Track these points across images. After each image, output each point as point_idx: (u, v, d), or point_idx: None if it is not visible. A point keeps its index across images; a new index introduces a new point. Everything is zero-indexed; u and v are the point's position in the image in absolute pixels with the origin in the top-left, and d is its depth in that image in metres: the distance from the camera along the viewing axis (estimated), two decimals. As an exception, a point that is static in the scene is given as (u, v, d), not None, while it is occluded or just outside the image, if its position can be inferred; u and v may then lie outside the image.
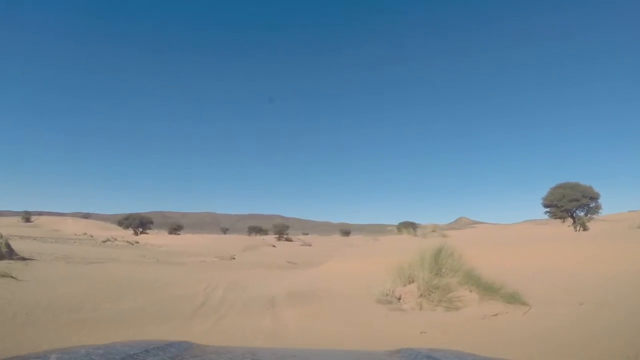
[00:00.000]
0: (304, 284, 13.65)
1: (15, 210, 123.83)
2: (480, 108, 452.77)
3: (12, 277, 11.10)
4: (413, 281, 9.98)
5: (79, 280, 12.74)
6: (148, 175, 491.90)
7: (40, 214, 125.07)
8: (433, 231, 40.08)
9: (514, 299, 8.56)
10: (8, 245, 17.42)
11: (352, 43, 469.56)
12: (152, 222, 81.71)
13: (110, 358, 1.57)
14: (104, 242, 54.59)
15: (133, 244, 53.71)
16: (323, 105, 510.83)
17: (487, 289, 9.01)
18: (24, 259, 17.67)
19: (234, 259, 26.82)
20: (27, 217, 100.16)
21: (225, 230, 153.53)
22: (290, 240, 73.39)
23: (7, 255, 16.73)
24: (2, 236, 17.79)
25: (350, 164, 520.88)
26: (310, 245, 51.03)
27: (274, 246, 45.60)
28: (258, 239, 51.75)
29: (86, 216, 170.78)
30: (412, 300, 9.49)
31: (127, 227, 78.25)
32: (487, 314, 8.26)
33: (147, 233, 76.78)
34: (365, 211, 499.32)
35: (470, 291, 9.28)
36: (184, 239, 57.46)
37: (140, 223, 78.15)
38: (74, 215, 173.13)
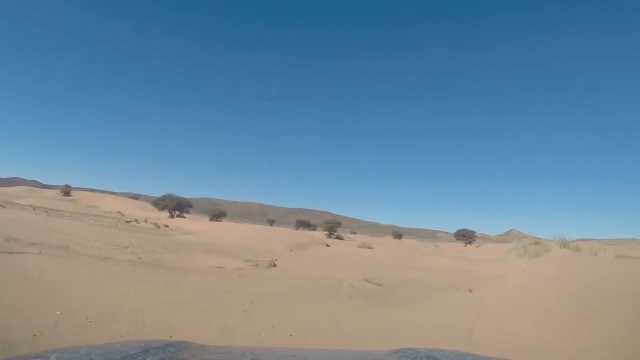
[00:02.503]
0: None
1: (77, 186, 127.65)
2: (543, 119, 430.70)
3: None
4: None
5: None
6: (201, 162, 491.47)
7: (92, 190, 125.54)
8: (536, 244, 28.36)
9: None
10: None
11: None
12: (191, 206, 72.35)
13: (110, 358, 1.53)
14: (127, 222, 46.88)
15: (159, 228, 44.76)
16: (382, 107, 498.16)
17: None
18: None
19: (274, 265, 15.67)
20: (67, 191, 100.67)
21: (272, 222, 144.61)
22: (342, 239, 63.22)
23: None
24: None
25: (404, 167, 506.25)
26: (371, 248, 39.61)
27: (327, 246, 34.50)
28: (307, 234, 40.75)
29: (136, 197, 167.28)
30: None
31: (163, 208, 68.98)
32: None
33: (184, 217, 67.70)
34: (414, 215, 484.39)
35: None
36: (223, 227, 47.33)
37: (177, 205, 68.67)
38: (126, 195, 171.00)
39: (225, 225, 54.08)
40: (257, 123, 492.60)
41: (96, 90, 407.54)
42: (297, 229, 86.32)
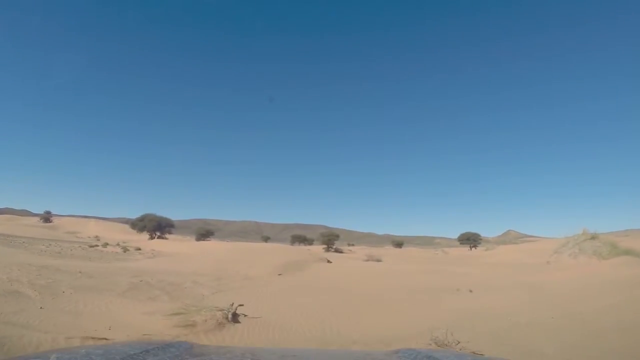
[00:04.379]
0: None
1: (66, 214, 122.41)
2: (531, 120, 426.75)
3: None
4: None
5: None
6: (193, 183, 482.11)
7: (86, 217, 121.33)
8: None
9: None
10: None
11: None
12: (172, 225, 63.95)
13: (110, 358, 1.52)
14: (91, 247, 39.65)
15: (126, 251, 37.96)
16: (365, 115, 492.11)
17: None
18: None
19: (233, 318, 7.55)
20: (46, 217, 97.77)
21: (266, 239, 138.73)
22: (341, 252, 55.79)
23: None
24: None
25: (396, 175, 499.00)
26: (379, 260, 31.57)
27: (328, 262, 26.53)
28: (303, 250, 32.43)
29: (128, 221, 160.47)
30: None
31: (141, 229, 60.76)
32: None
33: (165, 238, 59.59)
34: (409, 223, 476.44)
35: None
36: (204, 248, 39.68)
37: (157, 225, 60.46)
38: (120, 220, 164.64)
39: (208, 245, 46.12)
40: (247, 138, 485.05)
41: (85, 111, 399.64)
42: (292, 244, 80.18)
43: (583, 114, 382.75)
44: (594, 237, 21.19)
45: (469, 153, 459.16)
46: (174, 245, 47.13)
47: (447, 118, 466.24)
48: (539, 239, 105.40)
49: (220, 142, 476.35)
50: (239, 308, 7.90)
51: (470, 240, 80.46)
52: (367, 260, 32.02)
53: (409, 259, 37.43)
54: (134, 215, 64.93)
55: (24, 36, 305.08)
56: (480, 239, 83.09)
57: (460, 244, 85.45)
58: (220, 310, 7.51)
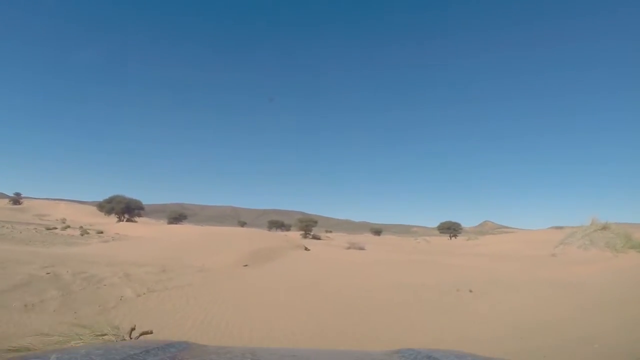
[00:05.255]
0: None
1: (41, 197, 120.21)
2: (511, 110, 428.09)
3: None
4: None
5: None
6: (171, 167, 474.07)
7: (58, 200, 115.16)
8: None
9: None
10: None
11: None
12: (142, 208, 59.92)
13: (110, 358, 1.44)
14: (48, 229, 36.45)
15: (84, 234, 34.17)
16: (343, 103, 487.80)
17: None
18: None
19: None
20: (16, 199, 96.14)
21: (243, 224, 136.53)
22: (319, 239, 53.28)
23: None
24: None
25: (375, 163, 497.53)
26: (362, 249, 28.36)
27: (306, 249, 23.29)
28: (279, 236, 28.94)
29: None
30: None
31: (109, 212, 56.70)
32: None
33: (134, 221, 55.69)
34: (387, 210, 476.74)
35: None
36: (171, 231, 36.11)
37: (126, 208, 56.49)
38: (95, 203, 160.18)
39: (177, 229, 42.46)
40: (226, 125, 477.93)
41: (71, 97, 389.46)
42: (269, 230, 77.39)
43: (557, 109, 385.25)
44: (605, 227, 18.41)
45: (448, 144, 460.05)
46: (141, 228, 43.57)
47: (425, 109, 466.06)
48: (516, 230, 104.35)
49: (200, 126, 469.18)
50: (141, 338, 4.27)
51: (451, 229, 78.64)
52: (349, 248, 28.80)
53: (392, 248, 34.41)
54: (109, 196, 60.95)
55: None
56: (461, 229, 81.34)
57: (440, 232, 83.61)
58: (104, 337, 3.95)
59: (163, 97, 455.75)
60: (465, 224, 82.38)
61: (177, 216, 65.87)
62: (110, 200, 56.96)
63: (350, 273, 12.86)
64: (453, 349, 2.09)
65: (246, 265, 13.36)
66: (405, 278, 11.38)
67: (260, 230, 34.60)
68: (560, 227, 75.07)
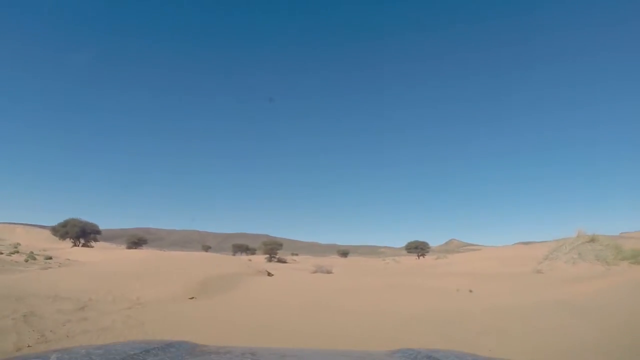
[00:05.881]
0: None
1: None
2: (473, 127, 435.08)
3: None
4: None
5: None
6: (135, 192, 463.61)
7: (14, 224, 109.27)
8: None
9: None
10: None
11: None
12: (98, 232, 56.66)
13: (110, 358, 1.48)
14: None
15: (28, 260, 31.01)
16: (306, 125, 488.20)
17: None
18: None
19: None
20: None
21: (207, 249, 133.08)
22: (285, 262, 51.39)
23: None
24: None
25: (341, 185, 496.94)
26: (329, 272, 26.40)
27: (269, 274, 21.26)
28: (240, 260, 26.81)
29: None
30: None
31: (63, 236, 53.30)
32: None
33: (90, 245, 52.46)
34: (354, 232, 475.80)
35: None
36: (120, 256, 33.78)
37: (81, 232, 53.22)
38: None
39: (131, 254, 39.87)
40: (190, 149, 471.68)
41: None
42: (234, 254, 75.35)
43: (517, 125, 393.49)
44: (593, 239, 17.20)
45: (412, 163, 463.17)
46: (94, 254, 40.79)
47: (386, 130, 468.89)
48: (482, 247, 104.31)
49: (164, 151, 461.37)
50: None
51: (418, 249, 77.86)
52: (315, 272, 26.79)
53: (361, 270, 32.63)
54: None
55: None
56: (429, 248, 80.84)
57: (408, 252, 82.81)
58: None
59: (129, 120, 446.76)
60: (432, 242, 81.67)
61: (137, 240, 62.54)
62: (65, 224, 53.36)
63: (320, 303, 10.88)
64: (453, 349, 2.05)
65: (192, 298, 11.13)
66: (386, 307, 9.54)
67: (220, 255, 32.40)
68: (527, 243, 75.72)
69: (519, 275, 17.47)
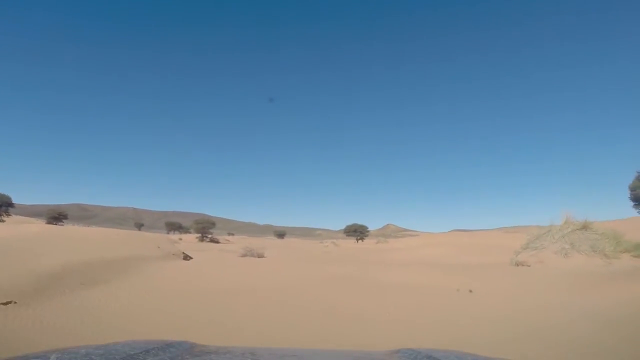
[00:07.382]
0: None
1: None
2: (417, 115, 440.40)
3: None
4: None
5: None
6: (70, 167, 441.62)
7: None
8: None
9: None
10: None
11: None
12: (11, 205, 51.55)
13: (110, 358, 1.45)
14: None
15: None
16: (254, 106, 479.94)
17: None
18: None
19: None
20: None
21: (140, 226, 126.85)
22: (217, 242, 47.79)
23: None
24: None
25: (279, 165, 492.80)
26: (261, 256, 22.27)
27: (186, 258, 17.07)
28: (153, 238, 22.10)
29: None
30: None
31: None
32: None
33: (1, 220, 45.90)
34: (291, 213, 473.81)
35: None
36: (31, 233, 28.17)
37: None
38: None
39: (51, 229, 34.27)
40: (131, 126, 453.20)
41: None
42: (168, 233, 71.26)
43: (463, 114, 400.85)
44: (585, 226, 13.92)
45: (351, 147, 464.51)
46: (3, 229, 35.14)
47: (326, 111, 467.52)
48: (419, 233, 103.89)
49: (103, 128, 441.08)
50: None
51: (357, 232, 75.72)
52: (244, 255, 22.45)
53: (299, 254, 28.74)
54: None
55: None
56: (368, 232, 78.44)
57: (347, 235, 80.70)
58: None
59: (74, 98, 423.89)
60: (369, 226, 79.26)
61: (57, 215, 56.46)
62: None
63: (232, 310, 6.86)
64: (453, 349, 2.00)
65: (8, 303, 6.60)
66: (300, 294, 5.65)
67: (132, 232, 27.70)
68: (464, 230, 74.60)
69: (503, 267, 14.36)
